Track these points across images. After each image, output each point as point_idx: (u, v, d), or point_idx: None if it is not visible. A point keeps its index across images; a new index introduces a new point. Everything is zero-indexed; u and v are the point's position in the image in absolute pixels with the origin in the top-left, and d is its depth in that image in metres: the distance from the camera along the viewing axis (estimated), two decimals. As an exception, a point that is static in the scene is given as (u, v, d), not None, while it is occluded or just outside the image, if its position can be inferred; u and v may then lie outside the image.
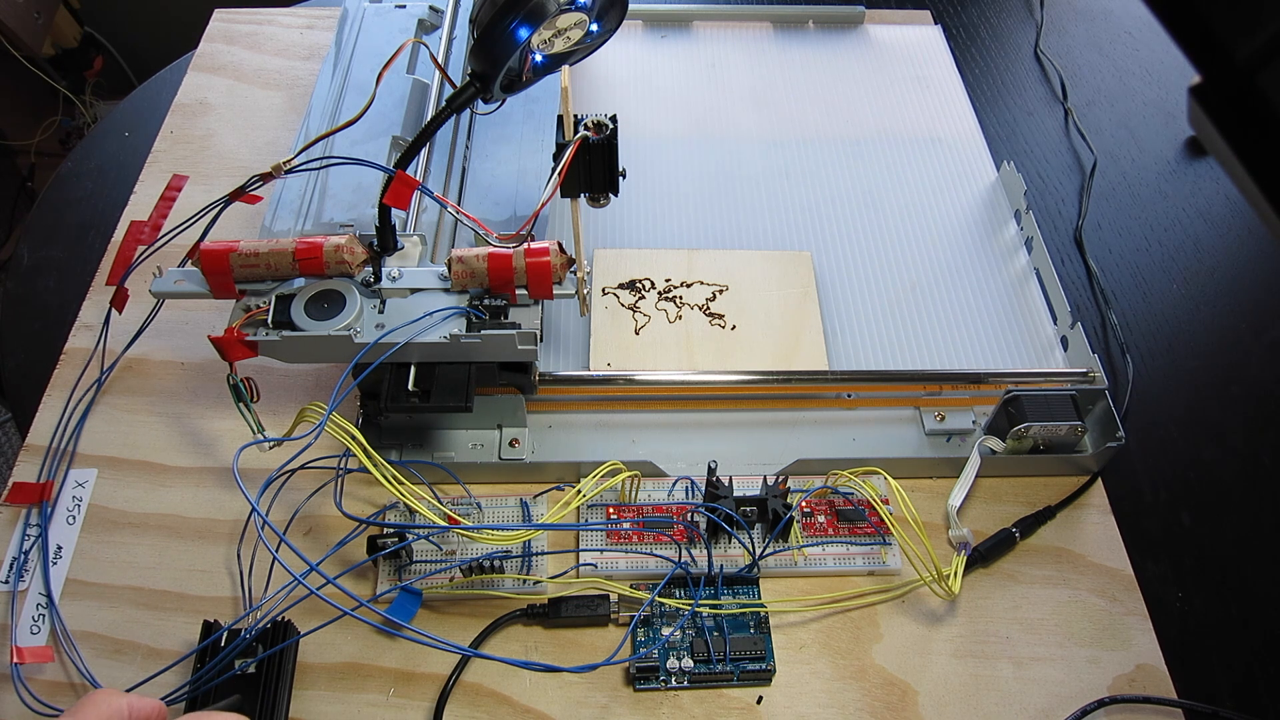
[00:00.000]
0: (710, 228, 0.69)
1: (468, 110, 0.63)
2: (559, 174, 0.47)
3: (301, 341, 0.49)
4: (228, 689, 0.45)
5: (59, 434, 0.57)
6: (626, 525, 0.52)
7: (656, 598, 0.49)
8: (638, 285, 0.63)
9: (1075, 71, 0.86)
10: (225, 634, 0.46)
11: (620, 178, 0.49)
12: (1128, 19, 0.92)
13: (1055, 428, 0.54)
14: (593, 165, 0.48)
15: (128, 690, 0.47)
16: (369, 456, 0.47)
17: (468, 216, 0.49)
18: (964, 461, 0.55)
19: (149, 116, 0.78)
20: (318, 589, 0.43)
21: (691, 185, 0.72)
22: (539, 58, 0.51)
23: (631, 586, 0.50)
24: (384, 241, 0.50)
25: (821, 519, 0.54)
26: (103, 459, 0.57)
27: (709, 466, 0.52)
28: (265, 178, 0.50)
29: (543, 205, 0.47)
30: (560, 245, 0.50)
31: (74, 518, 0.54)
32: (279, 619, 0.47)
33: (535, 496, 0.54)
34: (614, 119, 0.48)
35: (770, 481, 0.53)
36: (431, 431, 0.56)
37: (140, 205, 0.71)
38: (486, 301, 0.50)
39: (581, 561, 0.52)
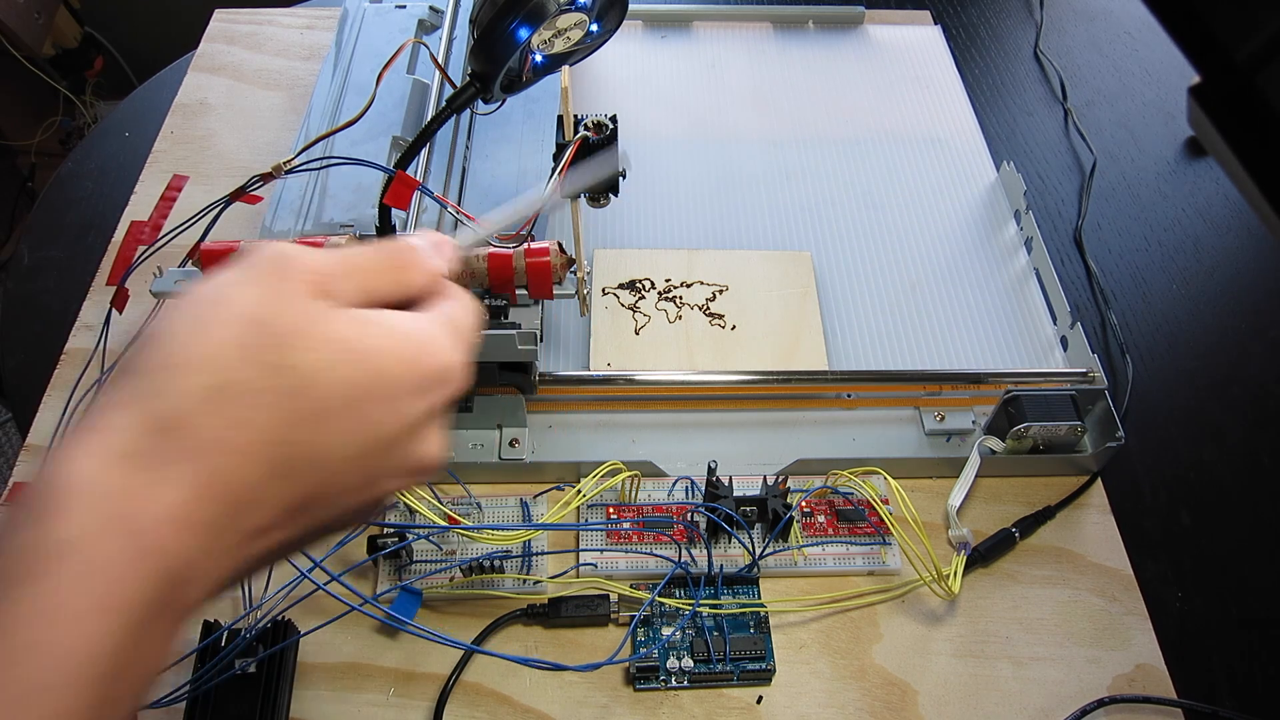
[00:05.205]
0: (710, 228, 0.69)
1: (468, 110, 0.63)
2: (559, 174, 0.47)
3: (301, 341, 0.49)
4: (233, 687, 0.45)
5: (59, 434, 0.57)
6: (626, 525, 0.52)
7: (656, 598, 0.49)
8: (638, 285, 0.63)
9: (1075, 71, 0.86)
10: (225, 634, 0.46)
11: (620, 178, 0.49)
12: (1128, 19, 0.92)
13: (1055, 428, 0.54)
14: (593, 165, 0.48)
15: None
16: (369, 456, 0.47)
17: (468, 216, 0.49)
18: (964, 461, 0.55)
19: (149, 116, 0.78)
20: (318, 588, 0.43)
21: (691, 185, 0.72)
22: (539, 58, 0.51)
23: (631, 586, 0.50)
24: (384, 241, 0.50)
25: (821, 519, 0.54)
26: (103, 459, 0.57)
27: (709, 466, 0.52)
28: (265, 178, 0.50)
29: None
30: (560, 245, 0.50)
31: (74, 518, 0.54)
32: (279, 618, 0.47)
33: (535, 496, 0.54)
34: (614, 119, 0.48)
35: (770, 481, 0.53)
36: (431, 431, 0.56)
37: (140, 205, 0.71)
38: (486, 301, 0.50)
39: (581, 561, 0.52)
